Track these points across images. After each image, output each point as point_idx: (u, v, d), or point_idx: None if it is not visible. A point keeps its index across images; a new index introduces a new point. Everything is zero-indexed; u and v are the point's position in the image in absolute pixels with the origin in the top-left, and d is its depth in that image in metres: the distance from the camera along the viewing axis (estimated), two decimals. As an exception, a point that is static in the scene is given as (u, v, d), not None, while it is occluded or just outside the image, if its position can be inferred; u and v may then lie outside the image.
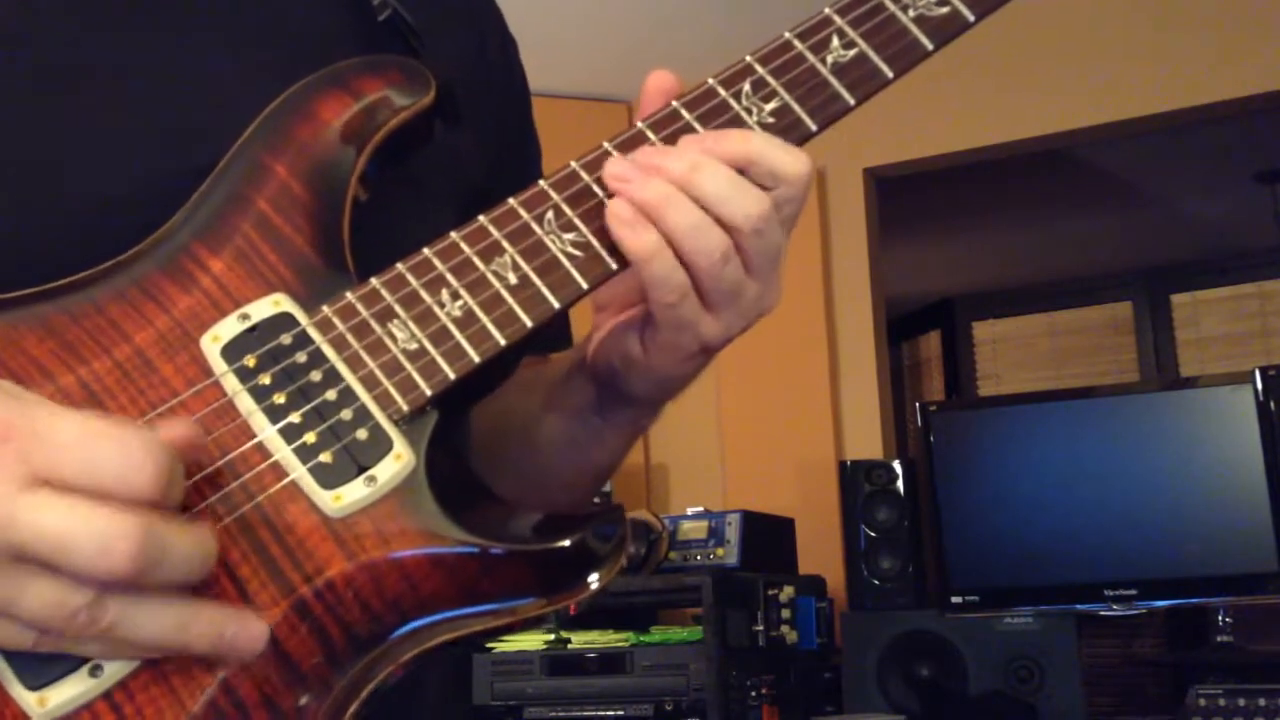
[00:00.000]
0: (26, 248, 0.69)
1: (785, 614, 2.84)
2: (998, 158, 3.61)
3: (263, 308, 0.65)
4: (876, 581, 2.91)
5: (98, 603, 0.54)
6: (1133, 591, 2.66)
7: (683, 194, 0.66)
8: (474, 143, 0.86)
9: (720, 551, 2.88)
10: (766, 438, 3.57)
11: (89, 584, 0.53)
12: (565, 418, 0.80)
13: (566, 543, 0.64)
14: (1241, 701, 2.33)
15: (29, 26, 0.73)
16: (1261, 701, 2.31)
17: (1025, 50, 3.34)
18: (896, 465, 2.99)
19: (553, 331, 0.78)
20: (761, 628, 2.78)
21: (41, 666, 0.56)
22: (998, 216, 4.92)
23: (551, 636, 2.81)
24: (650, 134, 0.70)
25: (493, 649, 2.79)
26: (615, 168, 0.68)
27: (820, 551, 3.19)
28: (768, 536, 3.03)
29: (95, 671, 0.57)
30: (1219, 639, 2.67)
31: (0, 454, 0.53)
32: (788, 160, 0.67)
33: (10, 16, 0.73)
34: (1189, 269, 5.13)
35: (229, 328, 0.65)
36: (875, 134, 3.46)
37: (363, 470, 0.62)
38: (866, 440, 3.54)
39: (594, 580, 0.63)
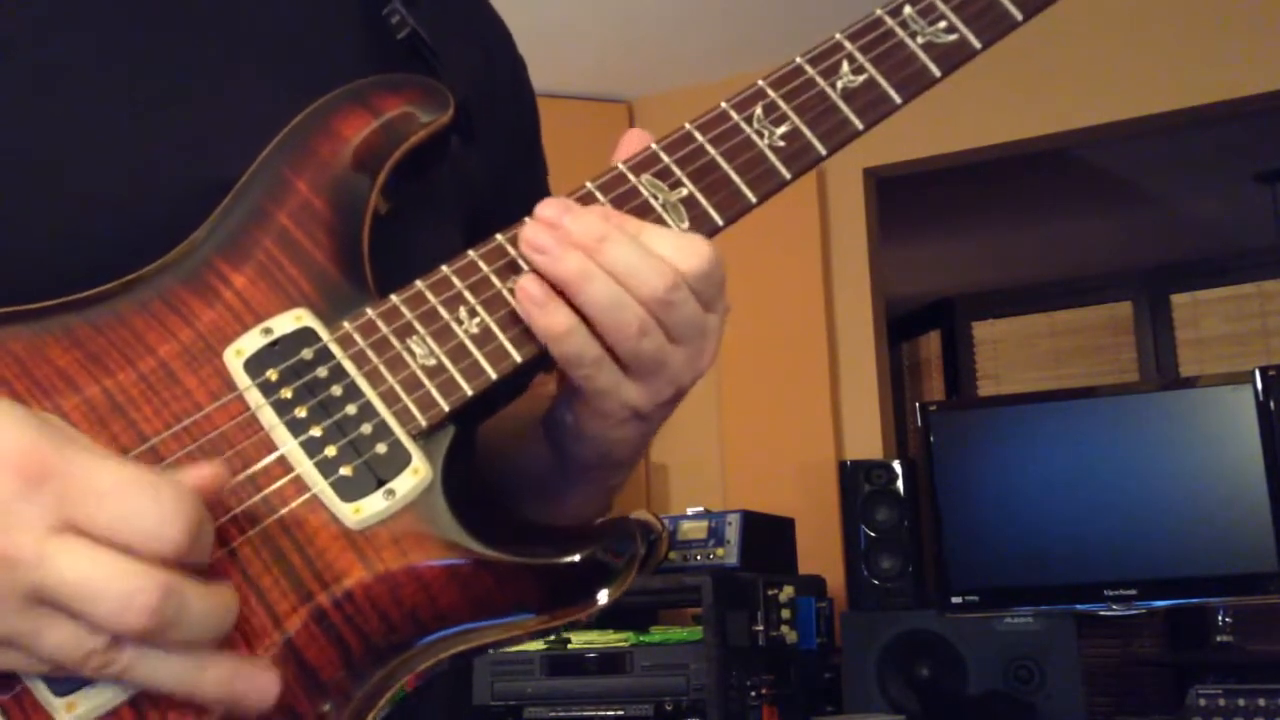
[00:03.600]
0: (29, 249, 0.69)
1: (785, 614, 2.84)
2: (998, 158, 3.62)
3: (284, 322, 0.66)
4: (876, 581, 2.92)
5: (113, 647, 0.54)
6: (1133, 591, 2.67)
7: (599, 268, 0.65)
8: (481, 160, 0.86)
9: (720, 551, 2.89)
10: (766, 438, 3.57)
11: (106, 633, 0.54)
12: (538, 466, 0.79)
13: (577, 558, 0.64)
14: (1241, 701, 2.33)
15: (21, 30, 0.72)
16: (1261, 701, 2.32)
17: (1025, 50, 3.33)
18: (896, 465, 3.00)
19: None
20: (761, 628, 2.78)
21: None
22: (998, 216, 4.92)
23: (552, 636, 2.81)
24: (673, 165, 0.71)
25: (493, 648, 2.79)
26: (535, 236, 0.66)
27: (820, 551, 3.20)
28: (768, 536, 3.04)
29: None
30: (1219, 639, 2.68)
31: (36, 495, 0.53)
32: (679, 254, 0.66)
33: (5, 19, 0.72)
34: (1189, 269, 5.13)
35: (251, 341, 0.65)
36: (875, 134, 3.42)
37: (381, 484, 0.63)
38: (866, 440, 3.54)
39: (603, 595, 0.64)
